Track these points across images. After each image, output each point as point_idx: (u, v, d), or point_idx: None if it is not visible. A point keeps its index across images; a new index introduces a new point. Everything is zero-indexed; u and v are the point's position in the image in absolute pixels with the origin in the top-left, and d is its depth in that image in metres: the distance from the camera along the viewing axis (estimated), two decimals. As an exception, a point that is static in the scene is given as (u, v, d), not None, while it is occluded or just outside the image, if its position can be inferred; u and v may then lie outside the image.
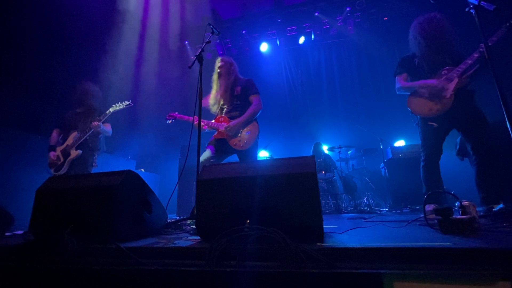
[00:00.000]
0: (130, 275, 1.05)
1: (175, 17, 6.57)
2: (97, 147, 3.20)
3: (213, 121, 2.72)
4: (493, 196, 1.98)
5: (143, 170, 6.03)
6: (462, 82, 2.18)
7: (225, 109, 2.74)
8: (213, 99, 2.82)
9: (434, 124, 2.23)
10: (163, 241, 1.39)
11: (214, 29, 2.44)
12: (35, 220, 1.53)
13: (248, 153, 2.61)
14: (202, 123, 2.56)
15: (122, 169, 1.53)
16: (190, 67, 2.17)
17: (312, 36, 6.85)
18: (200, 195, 1.40)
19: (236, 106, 2.70)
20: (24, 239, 1.50)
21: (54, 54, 4.74)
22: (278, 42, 7.04)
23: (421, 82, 2.31)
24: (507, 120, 1.57)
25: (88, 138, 3.06)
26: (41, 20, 4.53)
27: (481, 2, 1.82)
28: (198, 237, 1.43)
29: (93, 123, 2.98)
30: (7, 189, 3.53)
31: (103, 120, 3.07)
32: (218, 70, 2.79)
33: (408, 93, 2.45)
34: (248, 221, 1.25)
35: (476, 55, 2.16)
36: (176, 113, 2.90)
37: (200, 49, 2.16)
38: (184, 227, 1.85)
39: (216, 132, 2.66)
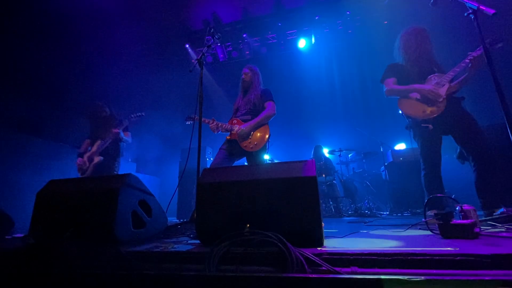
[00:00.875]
0: (130, 280, 1.04)
1: (176, 20, 6.61)
2: (118, 154, 3.57)
3: (226, 123, 2.83)
4: (493, 200, 1.97)
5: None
6: (452, 88, 2.24)
7: (238, 113, 2.87)
8: (236, 104, 3.00)
9: (430, 126, 2.24)
10: (163, 245, 1.38)
11: (215, 33, 2.47)
12: (35, 223, 1.53)
13: (257, 155, 2.69)
14: (215, 125, 2.76)
15: (122, 172, 1.53)
16: (191, 71, 2.18)
17: (313, 40, 6.88)
18: (201, 198, 1.40)
19: (249, 111, 2.83)
20: (24, 243, 1.50)
21: (57, 55, 4.77)
22: (278, 46, 7.08)
23: (416, 86, 2.33)
24: (507, 124, 1.57)
25: (109, 146, 3.43)
26: (44, 20, 4.55)
27: (480, 6, 1.84)
28: (198, 241, 1.42)
29: (113, 130, 3.37)
30: (7, 192, 3.53)
31: (122, 129, 3.46)
32: (243, 77, 2.97)
33: (397, 97, 2.47)
34: (248, 225, 1.25)
35: (463, 64, 2.21)
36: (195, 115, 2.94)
37: (201, 53, 2.18)
38: (184, 231, 1.85)
39: (229, 134, 2.78)
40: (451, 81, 2.26)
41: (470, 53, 2.16)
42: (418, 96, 2.31)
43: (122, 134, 3.47)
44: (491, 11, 1.79)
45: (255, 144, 2.66)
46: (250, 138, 2.68)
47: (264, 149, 2.73)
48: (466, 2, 1.89)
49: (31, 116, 4.45)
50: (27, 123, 4.26)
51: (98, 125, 3.56)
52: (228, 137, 2.77)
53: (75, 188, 1.50)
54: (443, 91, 2.22)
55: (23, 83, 4.43)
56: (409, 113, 2.35)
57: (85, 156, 3.39)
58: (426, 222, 1.50)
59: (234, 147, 2.71)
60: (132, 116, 3.58)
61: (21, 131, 4.08)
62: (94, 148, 3.38)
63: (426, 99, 2.27)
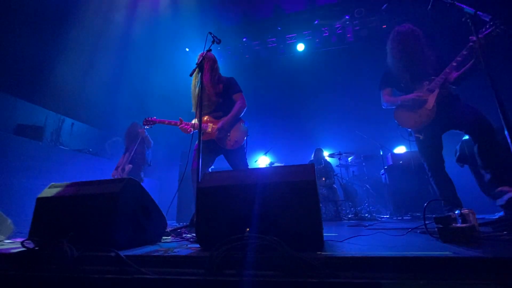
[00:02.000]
0: (129, 284, 1.04)
1: (176, 24, 6.66)
2: (144, 163, 4.00)
3: (194, 121, 2.62)
4: (499, 176, 1.91)
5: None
6: (444, 92, 2.22)
7: (207, 109, 2.65)
8: (194, 98, 2.67)
9: (420, 136, 2.29)
10: (162, 249, 1.38)
11: (215, 37, 2.48)
12: (35, 227, 1.53)
13: (236, 153, 2.59)
14: (184, 125, 2.58)
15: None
16: (191, 75, 2.19)
17: (312, 44, 6.94)
18: (200, 202, 1.41)
19: (219, 106, 2.65)
20: (23, 247, 1.50)
21: (59, 56, 4.79)
22: (278, 49, 7.13)
23: (402, 97, 2.35)
24: (504, 127, 1.58)
25: (135, 155, 3.89)
26: (44, 15, 4.56)
27: (478, 12, 1.86)
28: (198, 245, 1.43)
29: (139, 130, 3.92)
30: (6, 196, 3.53)
31: (144, 133, 3.97)
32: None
33: (393, 107, 2.48)
34: (248, 229, 1.26)
35: (454, 64, 2.19)
36: (155, 117, 2.81)
37: (202, 58, 2.19)
38: (184, 235, 1.85)
39: (203, 133, 2.53)
40: (443, 84, 2.22)
41: (471, 37, 2.04)
42: (408, 107, 2.33)
43: (147, 133, 3.95)
44: (487, 17, 1.81)
45: (235, 141, 2.55)
46: (229, 136, 2.56)
47: (244, 145, 2.64)
48: (464, 7, 1.92)
49: (34, 119, 4.46)
50: (29, 125, 4.27)
51: (130, 141, 4.06)
52: (204, 138, 2.49)
53: (75, 192, 1.50)
54: (433, 97, 2.21)
55: (22, 84, 4.44)
56: (402, 124, 2.40)
57: (119, 168, 3.87)
58: (425, 225, 1.50)
59: (210, 146, 2.54)
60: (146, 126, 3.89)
61: (23, 134, 4.09)
62: (124, 159, 3.90)
63: (416, 108, 2.28)
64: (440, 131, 2.31)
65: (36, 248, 1.43)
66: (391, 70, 2.51)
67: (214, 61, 2.73)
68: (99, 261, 1.23)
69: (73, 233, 1.43)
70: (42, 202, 1.55)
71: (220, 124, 2.54)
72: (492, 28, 1.97)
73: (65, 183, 1.61)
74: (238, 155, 2.59)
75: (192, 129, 2.61)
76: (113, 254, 1.21)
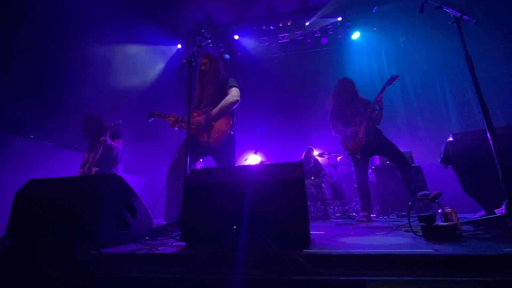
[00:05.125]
0: (112, 283, 1.01)
1: (168, 21, 6.56)
2: (113, 163, 3.68)
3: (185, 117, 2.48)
4: (414, 191, 2.72)
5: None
6: (368, 124, 3.11)
7: (201, 105, 2.56)
8: (196, 97, 2.62)
9: (358, 156, 3.10)
10: (147, 247, 1.35)
11: (205, 34, 2.44)
12: (13, 224, 1.46)
13: (220, 151, 2.39)
14: (174, 119, 2.47)
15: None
16: (180, 70, 2.16)
17: (303, 44, 6.97)
18: (187, 200, 1.38)
19: (212, 101, 2.51)
20: (0, 245, 1.44)
21: (40, 50, 4.62)
22: (270, 48, 7.12)
23: (348, 130, 3.21)
24: (487, 129, 1.63)
25: (102, 155, 3.55)
26: (28, 11, 4.40)
27: (464, 16, 1.91)
28: (184, 243, 1.40)
29: (100, 139, 3.49)
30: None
31: (107, 136, 3.56)
32: (203, 68, 2.60)
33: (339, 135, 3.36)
34: (234, 227, 1.24)
35: (373, 104, 3.12)
36: (157, 111, 2.71)
37: (191, 53, 2.16)
38: (170, 233, 1.81)
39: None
40: (368, 117, 3.11)
41: (377, 95, 3.11)
42: (350, 136, 3.21)
43: (109, 141, 3.55)
44: (473, 20, 1.86)
45: (215, 138, 2.34)
46: (210, 131, 2.37)
47: (229, 143, 2.43)
48: (450, 11, 1.96)
49: (14, 113, 4.29)
50: (9, 120, 4.10)
51: (93, 137, 3.68)
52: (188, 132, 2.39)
53: (56, 188, 1.45)
54: (362, 128, 3.09)
55: (3, 79, 4.26)
56: (347, 148, 3.21)
57: (85, 168, 3.55)
58: (409, 224, 1.53)
59: (194, 143, 2.35)
60: (112, 125, 3.63)
61: (3, 128, 3.93)
62: (90, 159, 3.55)
63: (354, 137, 3.16)
64: (369, 155, 3.19)
65: (13, 246, 1.37)
66: (336, 107, 3.35)
67: (216, 62, 2.65)
68: (81, 259, 1.19)
69: (53, 231, 1.39)
70: (20, 198, 1.49)
71: (202, 116, 2.40)
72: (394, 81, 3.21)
73: (45, 178, 1.55)
74: (223, 155, 2.41)
75: (173, 122, 2.47)
76: (94, 252, 1.17)
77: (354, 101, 3.25)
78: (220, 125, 2.39)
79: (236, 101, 2.48)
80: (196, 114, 2.49)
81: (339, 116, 3.36)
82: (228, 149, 2.43)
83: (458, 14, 1.89)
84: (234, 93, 2.49)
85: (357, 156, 3.12)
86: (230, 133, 2.40)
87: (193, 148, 2.28)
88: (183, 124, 2.45)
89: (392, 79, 3.22)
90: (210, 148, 2.41)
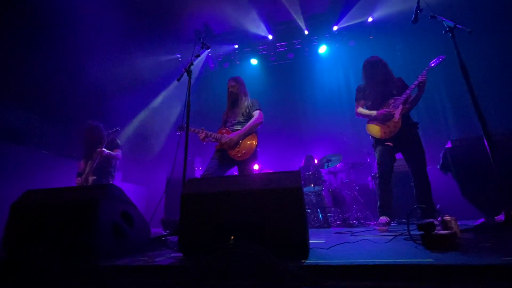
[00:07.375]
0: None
1: (167, 29, 6.64)
2: (110, 172, 3.61)
3: (215, 133, 2.86)
4: (430, 211, 2.37)
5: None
6: (405, 108, 2.63)
7: (228, 123, 2.93)
8: (224, 115, 3.05)
9: (390, 144, 2.65)
10: (144, 258, 1.34)
11: (204, 43, 2.49)
12: (8, 236, 1.45)
13: (246, 164, 2.73)
14: (204, 134, 2.78)
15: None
16: (178, 80, 2.18)
17: (301, 52, 7.06)
18: (184, 209, 1.37)
19: (239, 121, 2.88)
20: (-5, 257, 1.42)
21: (41, 60, 4.66)
22: (268, 57, 7.21)
23: (378, 111, 2.73)
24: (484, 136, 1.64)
25: (100, 164, 3.49)
26: (29, 22, 4.44)
27: (457, 25, 1.94)
28: (181, 254, 1.39)
29: (97, 149, 3.40)
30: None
31: (103, 146, 3.48)
32: (231, 90, 2.99)
33: (363, 118, 2.92)
34: (232, 237, 1.23)
35: (413, 86, 2.63)
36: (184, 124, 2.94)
37: (189, 63, 2.18)
38: (167, 243, 1.79)
39: (218, 143, 2.80)
40: (405, 101, 2.63)
41: (418, 76, 2.60)
42: (379, 120, 2.74)
43: (106, 152, 3.49)
44: (467, 29, 1.89)
45: (244, 153, 2.70)
46: (238, 147, 2.72)
47: (253, 157, 2.76)
48: (444, 21, 2.00)
49: (13, 122, 4.29)
50: (7, 129, 4.11)
51: (91, 146, 3.62)
52: (217, 147, 2.81)
53: (53, 199, 1.44)
54: (398, 112, 2.62)
55: (5, 87, 4.29)
56: (373, 134, 2.79)
57: (83, 176, 3.50)
58: (409, 232, 1.52)
59: (223, 157, 2.75)
60: (110, 132, 3.64)
61: (1, 138, 3.93)
62: (87, 168, 3.49)
63: (385, 121, 2.69)
64: (398, 148, 2.70)
65: (9, 257, 1.35)
66: (363, 88, 2.97)
67: (244, 85, 3.04)
68: (77, 271, 1.17)
69: (50, 242, 1.37)
70: (16, 210, 1.48)
71: (232, 134, 2.76)
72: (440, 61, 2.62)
73: (42, 189, 1.54)
74: (247, 167, 2.74)
75: (203, 137, 2.78)
76: (91, 264, 1.16)
77: (387, 82, 2.81)
78: (249, 142, 2.74)
79: (261, 123, 2.87)
80: (225, 131, 2.85)
81: (368, 98, 2.92)
82: (251, 163, 2.77)
83: (452, 23, 1.93)
84: (260, 116, 2.87)
85: (388, 144, 2.64)
86: (256, 149, 2.76)
87: (222, 161, 2.74)
88: (213, 138, 2.79)
89: (439, 59, 2.64)
90: (237, 161, 2.74)
